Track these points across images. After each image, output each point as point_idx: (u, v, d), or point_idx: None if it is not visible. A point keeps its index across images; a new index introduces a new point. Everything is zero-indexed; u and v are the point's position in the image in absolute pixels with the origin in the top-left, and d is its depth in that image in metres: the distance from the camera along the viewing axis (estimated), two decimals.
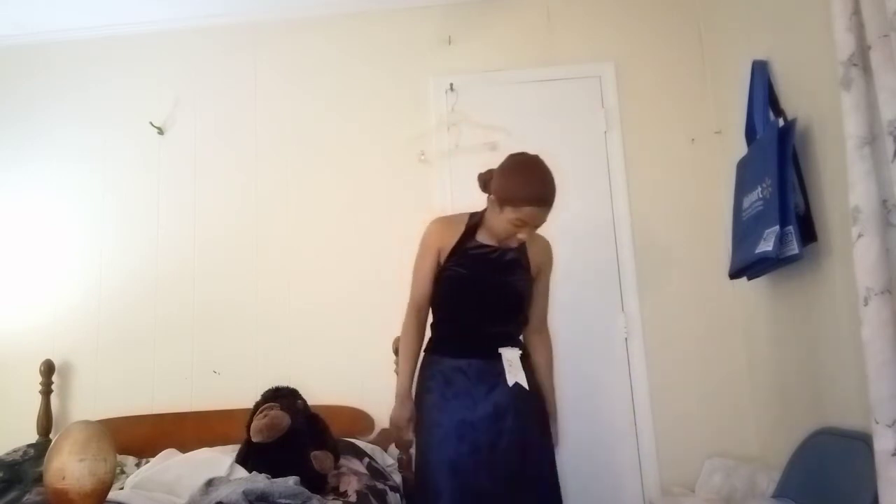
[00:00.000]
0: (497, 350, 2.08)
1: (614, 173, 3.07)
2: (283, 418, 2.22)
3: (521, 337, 2.20)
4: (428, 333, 2.19)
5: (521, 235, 2.02)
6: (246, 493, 1.80)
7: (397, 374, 2.18)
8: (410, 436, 2.12)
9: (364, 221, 3.09)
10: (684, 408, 2.88)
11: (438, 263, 2.13)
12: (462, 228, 2.13)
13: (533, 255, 2.16)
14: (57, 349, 3.04)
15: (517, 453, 2.02)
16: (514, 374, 2.05)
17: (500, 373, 2.06)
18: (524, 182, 1.98)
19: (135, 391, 2.99)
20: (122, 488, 2.13)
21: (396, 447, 2.76)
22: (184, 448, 2.53)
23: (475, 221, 2.14)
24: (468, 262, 2.09)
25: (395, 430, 2.12)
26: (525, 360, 2.13)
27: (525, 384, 2.06)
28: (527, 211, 1.96)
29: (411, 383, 2.11)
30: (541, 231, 2.11)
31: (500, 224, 2.02)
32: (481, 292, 2.10)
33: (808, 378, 2.30)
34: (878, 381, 1.58)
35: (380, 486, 2.33)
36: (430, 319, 2.20)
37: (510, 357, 2.08)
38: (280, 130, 3.23)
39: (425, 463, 2.05)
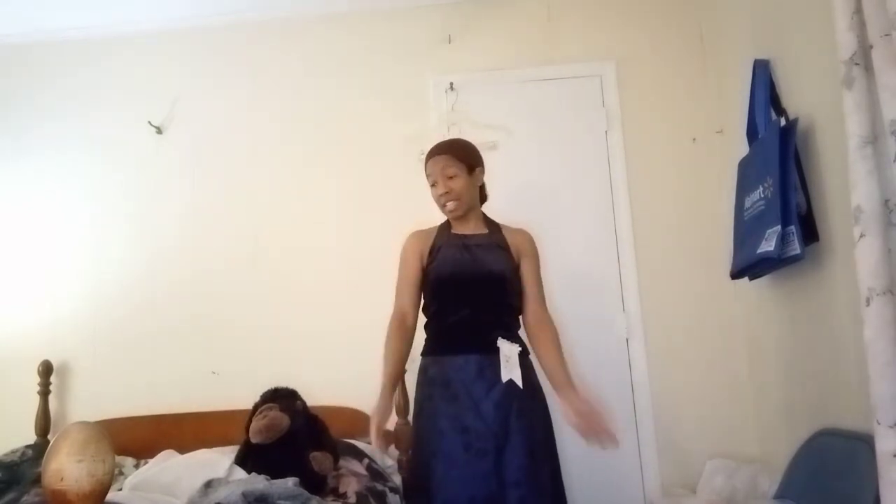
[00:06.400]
0: (495, 344, 2.02)
1: (615, 173, 3.06)
2: (282, 419, 2.21)
3: (518, 332, 2.14)
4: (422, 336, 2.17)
5: (439, 190, 2.16)
6: (245, 495, 1.79)
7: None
8: (381, 435, 1.92)
9: (364, 221, 3.08)
10: (685, 408, 2.88)
11: (422, 269, 2.16)
12: (436, 232, 2.24)
13: (511, 239, 2.21)
14: (55, 350, 3.02)
15: (526, 457, 1.95)
16: (510, 370, 2.00)
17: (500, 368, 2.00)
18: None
19: (133, 392, 2.97)
20: (120, 489, 2.13)
21: (396, 448, 2.75)
22: (183, 449, 2.53)
23: (447, 222, 2.26)
24: (447, 251, 2.16)
25: (372, 424, 1.93)
26: (525, 357, 2.07)
27: (519, 382, 1.99)
28: (428, 169, 2.20)
29: (392, 386, 2.03)
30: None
31: (434, 197, 2.21)
32: (462, 275, 2.10)
33: (810, 379, 2.30)
34: (880, 382, 1.58)
35: (379, 487, 2.33)
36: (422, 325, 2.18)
37: (508, 352, 2.02)
38: (279, 130, 3.22)
39: (428, 472, 1.98)
